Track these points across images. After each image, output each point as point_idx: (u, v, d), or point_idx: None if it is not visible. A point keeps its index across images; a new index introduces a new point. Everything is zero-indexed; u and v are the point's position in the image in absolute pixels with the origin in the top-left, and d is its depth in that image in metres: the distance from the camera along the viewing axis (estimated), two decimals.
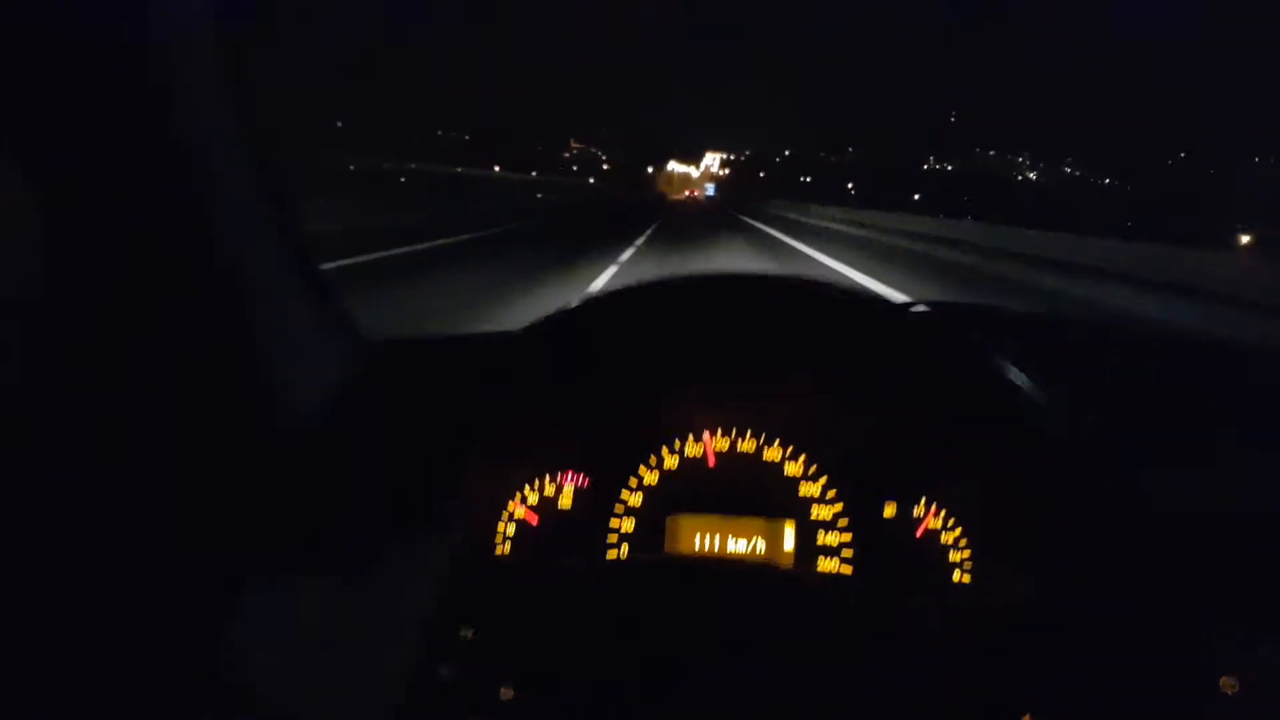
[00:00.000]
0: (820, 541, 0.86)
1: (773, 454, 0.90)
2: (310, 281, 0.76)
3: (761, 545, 0.86)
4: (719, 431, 0.91)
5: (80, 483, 0.60)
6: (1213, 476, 0.78)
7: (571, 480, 0.90)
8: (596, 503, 0.88)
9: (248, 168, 0.67)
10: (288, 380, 0.72)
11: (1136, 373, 0.97)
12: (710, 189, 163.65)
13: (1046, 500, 0.72)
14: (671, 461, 0.90)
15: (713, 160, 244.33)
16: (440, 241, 12.61)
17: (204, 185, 0.62)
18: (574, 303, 0.83)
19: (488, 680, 0.60)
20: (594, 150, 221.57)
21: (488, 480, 0.84)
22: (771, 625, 0.63)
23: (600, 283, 8.40)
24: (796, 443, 0.89)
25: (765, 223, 26.61)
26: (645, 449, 0.90)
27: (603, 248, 12.63)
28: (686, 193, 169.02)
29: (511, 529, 0.88)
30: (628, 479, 0.89)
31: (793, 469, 0.89)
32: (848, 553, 0.86)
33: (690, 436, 0.90)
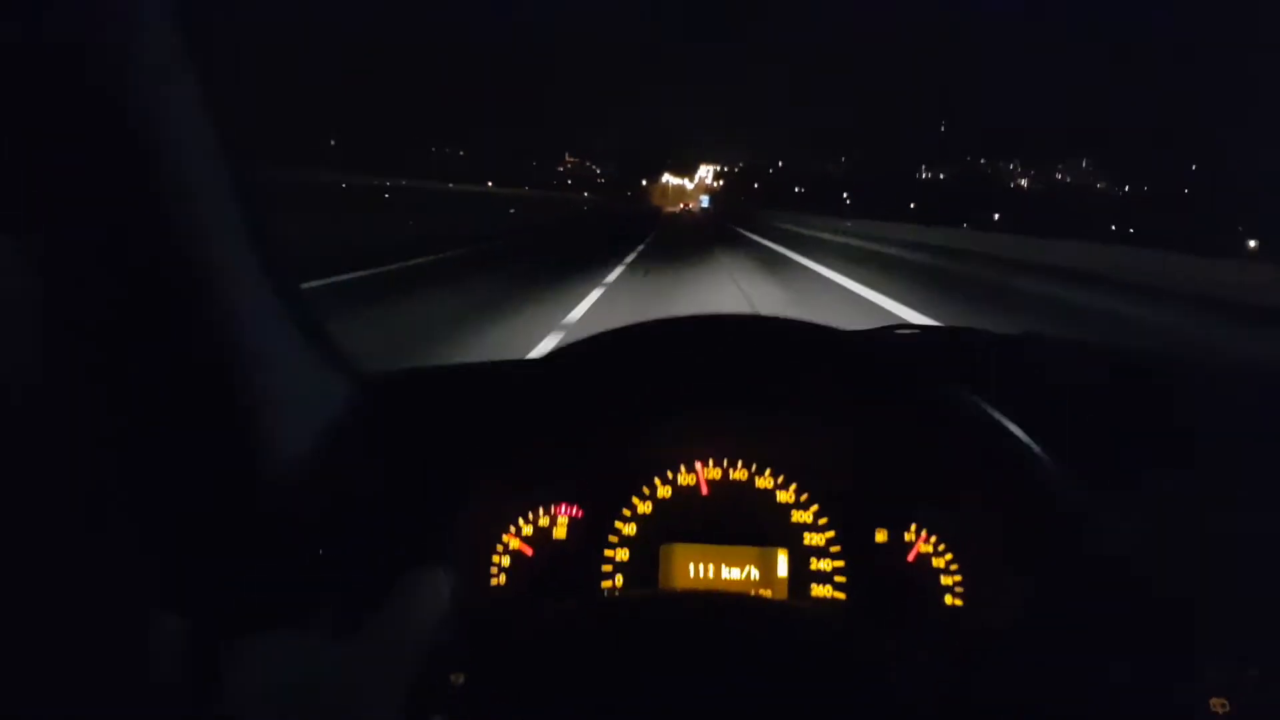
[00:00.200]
0: (813, 568, 0.87)
1: (764, 482, 0.91)
2: (301, 317, 0.77)
3: (755, 573, 0.87)
4: (710, 461, 0.92)
5: (70, 513, 0.60)
6: (1205, 497, 0.79)
7: (566, 511, 0.90)
8: (591, 533, 0.89)
9: (232, 190, 0.67)
10: (277, 410, 0.71)
11: (1125, 391, 0.96)
12: (705, 201, 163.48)
13: (1036, 522, 0.73)
14: (664, 491, 0.91)
15: (706, 172, 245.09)
16: (415, 261, 11.72)
17: (187, 207, 0.62)
18: (569, 340, 0.85)
19: None
20: (588, 164, 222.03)
21: (482, 515, 0.85)
22: (766, 661, 0.62)
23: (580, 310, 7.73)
24: (787, 471, 0.90)
25: (763, 235, 25.82)
26: (638, 479, 0.91)
27: (583, 274, 10.99)
28: (681, 205, 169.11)
29: (506, 560, 0.89)
30: (621, 509, 0.90)
31: (784, 497, 0.90)
32: (840, 579, 0.87)
33: (682, 466, 0.91)
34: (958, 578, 0.85)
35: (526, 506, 0.90)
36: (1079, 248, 15.89)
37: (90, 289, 0.58)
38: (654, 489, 0.91)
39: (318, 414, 0.78)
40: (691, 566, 0.87)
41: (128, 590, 0.61)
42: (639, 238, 21.66)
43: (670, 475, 0.91)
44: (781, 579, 0.86)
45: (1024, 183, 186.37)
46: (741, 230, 30.21)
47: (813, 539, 0.88)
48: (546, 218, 30.89)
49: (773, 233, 28.17)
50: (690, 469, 0.91)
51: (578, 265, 12.06)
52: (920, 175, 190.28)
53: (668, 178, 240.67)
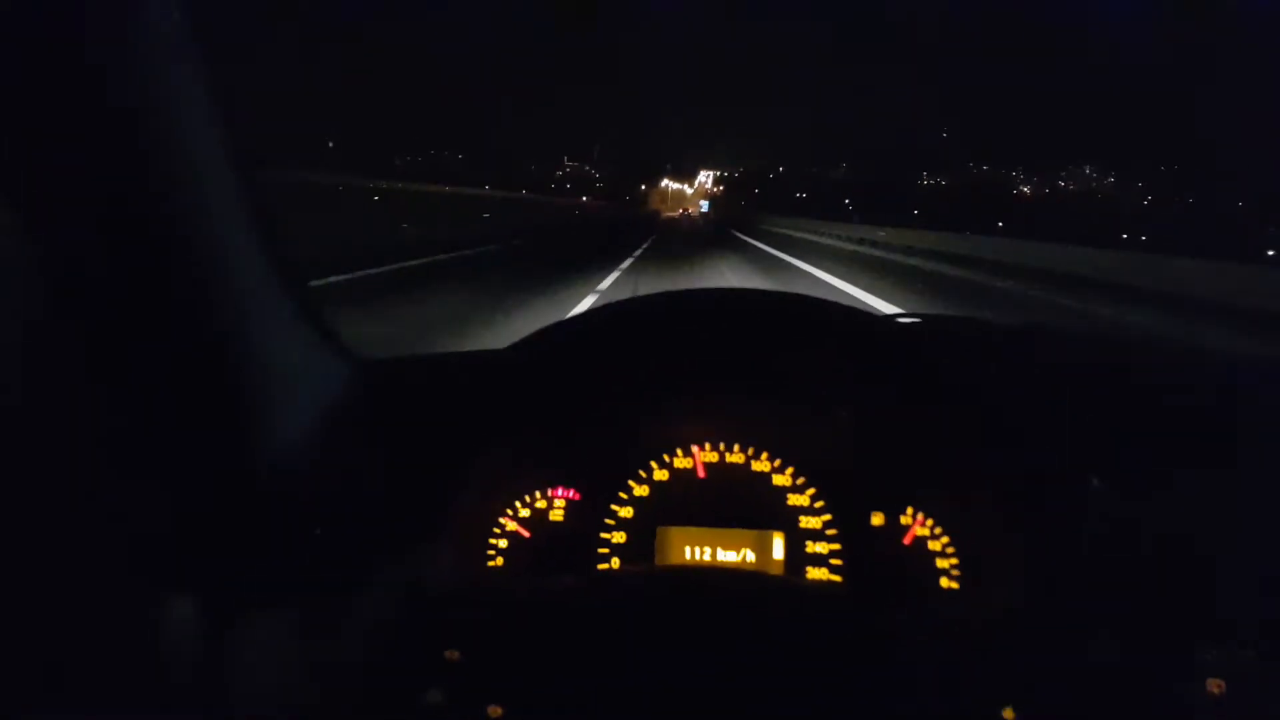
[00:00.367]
0: (809, 551, 0.88)
1: (761, 465, 0.91)
2: (300, 302, 0.78)
3: (751, 555, 0.87)
4: (707, 444, 0.92)
5: (81, 494, 0.61)
6: (1205, 485, 0.79)
7: (563, 494, 0.91)
8: (588, 515, 0.90)
9: (232, 188, 0.67)
10: (279, 402, 0.73)
11: (1129, 383, 0.97)
12: (704, 205, 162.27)
13: (1033, 506, 0.73)
14: (661, 474, 0.91)
15: (706, 177, 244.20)
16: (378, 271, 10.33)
17: (188, 206, 0.62)
18: (563, 319, 0.84)
19: (475, 701, 0.60)
20: (587, 168, 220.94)
21: (480, 497, 0.86)
22: (762, 633, 0.64)
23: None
24: (784, 454, 0.91)
25: (765, 241, 24.31)
26: (635, 462, 0.91)
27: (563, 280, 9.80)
28: (680, 210, 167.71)
29: (504, 543, 0.90)
30: (618, 492, 0.90)
31: (781, 480, 0.90)
32: (836, 561, 0.87)
33: (679, 450, 0.92)
34: (954, 560, 0.85)
35: (524, 489, 0.90)
36: (1089, 254, 14.59)
37: (93, 283, 0.59)
38: (651, 472, 0.91)
39: (316, 399, 0.79)
40: (688, 549, 0.88)
41: (130, 580, 0.62)
42: (633, 246, 19.42)
43: (667, 458, 0.91)
44: (778, 562, 0.87)
45: (1026, 189, 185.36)
46: (743, 236, 28.64)
47: (809, 522, 0.89)
48: (531, 223, 27.03)
49: (776, 239, 26.68)
50: (687, 452, 0.92)
51: (551, 281, 9.81)
52: (922, 181, 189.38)
53: (667, 182, 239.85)
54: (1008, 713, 0.59)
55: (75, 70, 0.55)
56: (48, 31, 0.53)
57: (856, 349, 0.84)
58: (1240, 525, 0.76)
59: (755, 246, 21.48)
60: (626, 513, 0.90)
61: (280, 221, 0.71)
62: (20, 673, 0.58)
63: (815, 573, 0.87)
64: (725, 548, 0.88)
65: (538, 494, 0.91)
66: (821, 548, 0.88)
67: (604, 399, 0.89)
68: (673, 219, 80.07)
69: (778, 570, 0.86)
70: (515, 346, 0.84)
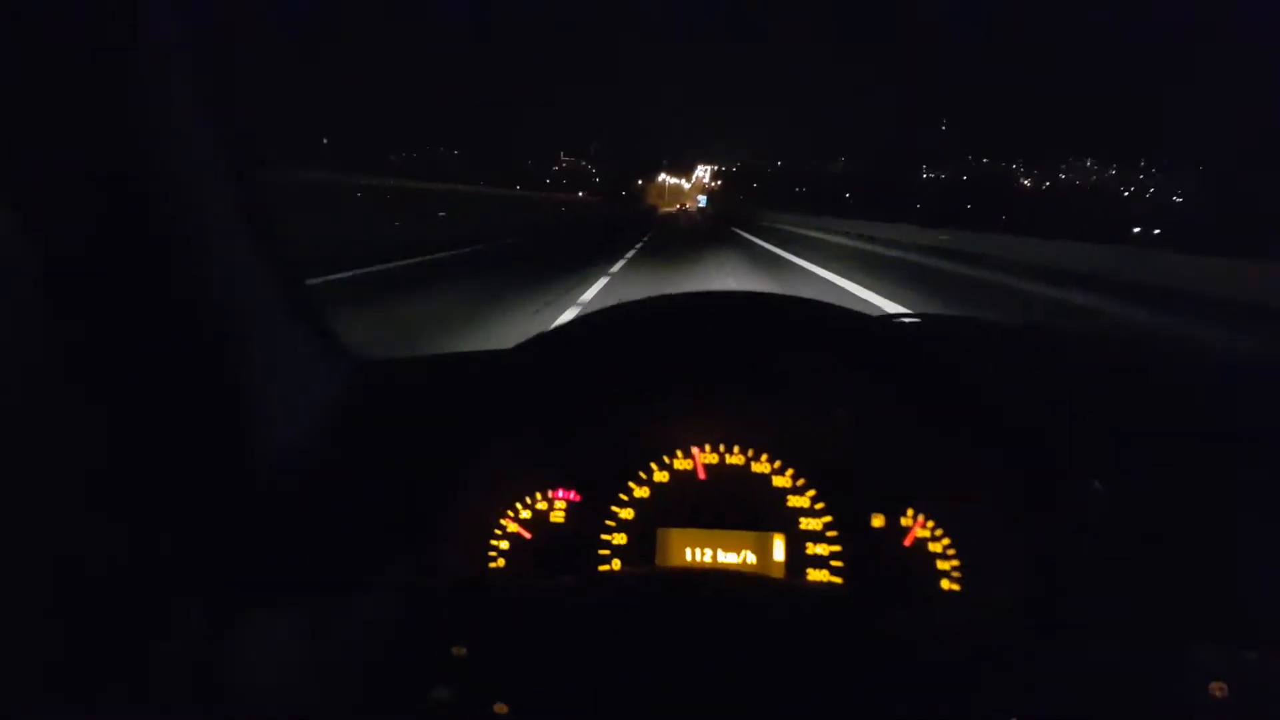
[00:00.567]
0: (810, 552, 0.88)
1: (761, 467, 0.91)
2: (299, 302, 0.78)
3: (751, 557, 0.87)
4: (707, 446, 0.92)
5: (81, 495, 0.61)
6: (1206, 485, 0.79)
7: (563, 495, 0.91)
8: (588, 517, 0.90)
9: (231, 188, 0.68)
10: (279, 403, 0.73)
11: (1129, 382, 0.97)
12: (702, 201, 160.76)
13: (1032, 508, 0.73)
14: (662, 476, 0.91)
15: (704, 172, 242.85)
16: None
17: (187, 207, 0.63)
18: (562, 321, 0.85)
19: (481, 698, 0.60)
20: (584, 164, 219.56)
21: (480, 498, 0.86)
22: (763, 633, 0.64)
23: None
24: (784, 456, 0.91)
25: (768, 240, 23.07)
26: (635, 464, 0.91)
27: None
28: (678, 205, 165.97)
29: (505, 544, 0.90)
30: (618, 493, 0.90)
31: (781, 481, 0.90)
32: (837, 563, 0.87)
33: (679, 451, 0.92)
34: (955, 562, 0.85)
35: (524, 491, 0.90)
36: (1099, 251, 13.44)
37: (93, 284, 0.59)
38: (651, 474, 0.91)
39: (316, 399, 0.80)
40: (688, 551, 0.88)
41: (131, 580, 0.63)
42: (626, 246, 17.37)
43: (667, 460, 0.92)
44: (779, 563, 0.87)
45: (1026, 183, 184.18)
46: (746, 234, 27.33)
47: (810, 524, 0.89)
48: (508, 221, 23.31)
49: (778, 237, 25.46)
50: (687, 454, 0.92)
51: (526, 288, 8.49)
52: (923, 175, 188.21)
53: (664, 177, 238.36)
54: None
55: (75, 71, 0.55)
56: (48, 33, 0.53)
57: (855, 349, 0.84)
58: (1242, 525, 0.75)
59: (761, 248, 19.83)
60: (627, 514, 0.90)
61: (264, 220, 0.71)
62: (20, 673, 0.58)
63: (816, 574, 0.87)
64: (726, 549, 0.88)
65: (538, 495, 0.91)
66: (822, 549, 0.88)
67: (604, 400, 0.89)
68: (670, 214, 78.75)
69: (778, 572, 0.86)
70: (516, 348, 0.84)
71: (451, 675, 0.61)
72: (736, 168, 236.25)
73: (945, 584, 0.85)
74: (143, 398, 0.63)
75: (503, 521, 0.90)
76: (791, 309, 0.84)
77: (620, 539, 0.89)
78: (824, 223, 32.03)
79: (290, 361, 0.76)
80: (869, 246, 21.19)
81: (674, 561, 0.87)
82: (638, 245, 17.84)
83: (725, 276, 11.42)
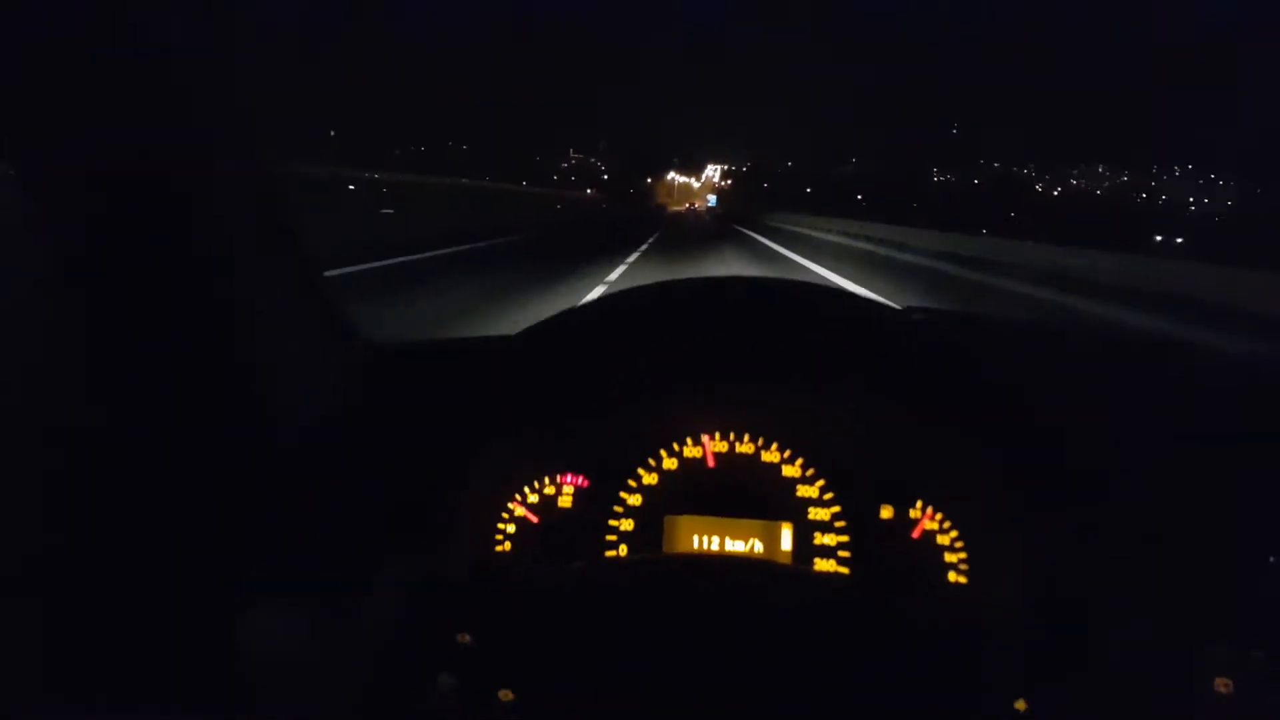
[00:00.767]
0: (817, 542, 0.88)
1: (771, 456, 0.91)
2: (310, 287, 0.78)
3: (759, 546, 0.87)
4: (717, 434, 0.92)
5: (83, 495, 0.61)
6: (1211, 482, 0.79)
7: (572, 480, 0.91)
8: (596, 503, 0.90)
9: (246, 176, 0.68)
10: (288, 385, 0.74)
11: (1136, 381, 0.97)
12: (711, 200, 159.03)
13: (1038, 502, 0.73)
14: (671, 463, 0.91)
15: (714, 171, 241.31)
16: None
17: (202, 194, 0.63)
18: (574, 307, 0.84)
19: (486, 684, 0.60)
20: (593, 160, 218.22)
21: (488, 482, 0.86)
22: (769, 622, 0.64)
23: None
24: (794, 445, 0.91)
25: (781, 242, 21.61)
26: (644, 450, 0.91)
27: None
28: (686, 205, 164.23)
29: (512, 528, 0.90)
30: (627, 480, 0.90)
31: (790, 471, 0.90)
32: (845, 553, 0.87)
33: (689, 439, 0.92)
34: (962, 555, 0.85)
35: (532, 475, 0.91)
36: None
37: (95, 282, 0.59)
38: (660, 460, 0.91)
39: (324, 385, 0.80)
40: (696, 538, 0.88)
41: (134, 579, 0.62)
42: (634, 244, 16.18)
43: (677, 447, 0.92)
44: (786, 553, 0.87)
45: (1038, 188, 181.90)
46: (757, 236, 25.82)
47: (818, 514, 0.89)
48: (530, 220, 21.55)
49: (792, 240, 23.99)
50: (697, 441, 0.92)
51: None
52: (934, 178, 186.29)
53: (673, 176, 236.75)
54: (1020, 704, 0.58)
55: (75, 71, 0.54)
56: (48, 32, 0.53)
57: (867, 340, 0.84)
58: (1249, 522, 0.75)
59: (782, 255, 18.16)
60: (635, 501, 0.90)
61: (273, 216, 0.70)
62: (20, 673, 0.58)
63: (823, 564, 0.87)
64: (733, 537, 0.88)
65: (546, 480, 0.91)
66: (830, 540, 0.88)
67: (614, 386, 0.89)
68: (678, 214, 77.14)
69: (785, 561, 0.86)
70: (526, 332, 0.83)
71: (457, 662, 0.61)
72: (746, 167, 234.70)
73: (953, 576, 0.84)
74: (154, 378, 0.63)
75: (510, 505, 0.90)
76: (802, 297, 0.83)
77: (628, 525, 0.89)
78: (841, 225, 30.44)
79: (297, 351, 0.75)
80: (879, 249, 19.73)
81: (681, 549, 0.87)
82: (639, 250, 15.60)
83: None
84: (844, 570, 0.86)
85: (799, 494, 0.89)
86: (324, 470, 0.74)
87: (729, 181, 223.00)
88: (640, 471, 0.90)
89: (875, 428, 0.88)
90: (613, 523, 0.89)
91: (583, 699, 0.60)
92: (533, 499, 0.90)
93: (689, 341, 0.87)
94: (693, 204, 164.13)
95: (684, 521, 0.88)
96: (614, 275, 10.12)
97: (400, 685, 0.60)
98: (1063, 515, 0.71)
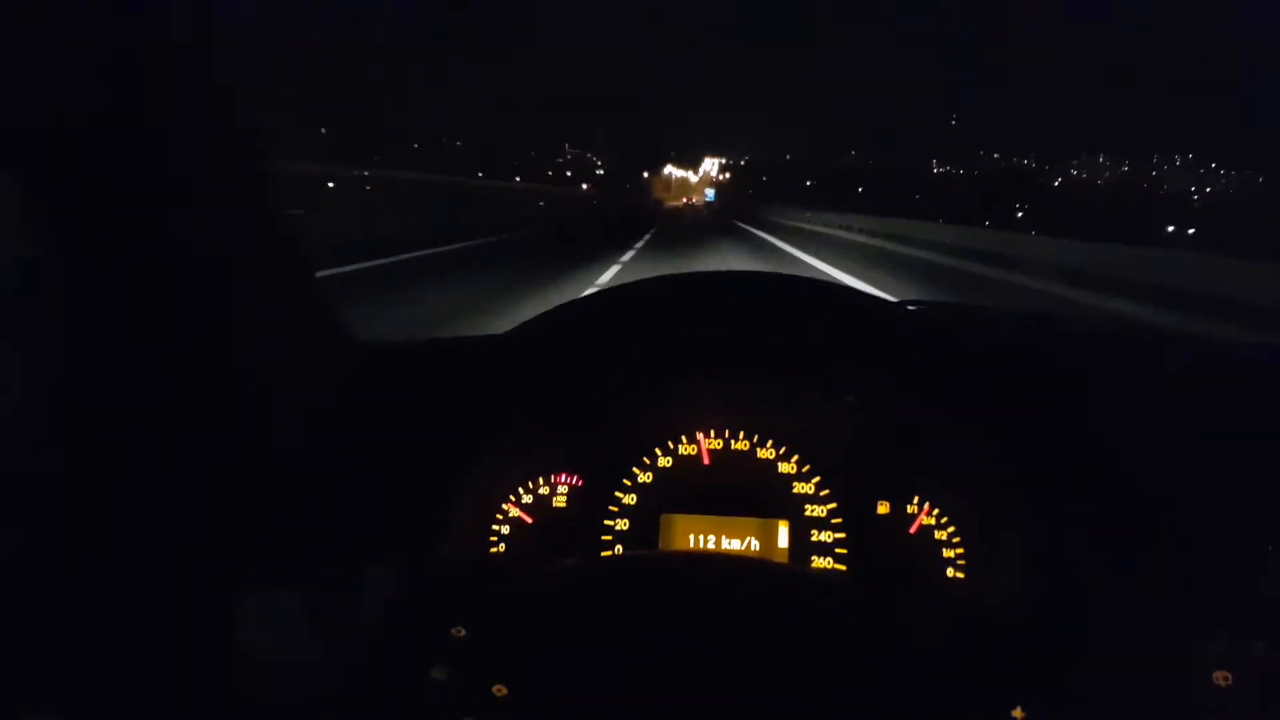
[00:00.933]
0: (814, 539, 0.87)
1: (766, 453, 0.91)
2: (309, 286, 0.78)
3: (755, 544, 0.87)
4: (712, 432, 0.91)
5: (83, 495, 0.62)
6: (1212, 476, 0.78)
7: (566, 480, 0.91)
8: (591, 502, 0.89)
9: (245, 175, 0.68)
10: (288, 385, 0.74)
11: (1137, 375, 0.96)
12: (710, 194, 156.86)
13: (1036, 497, 0.73)
14: (666, 461, 0.91)
15: (711, 165, 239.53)
16: None
17: (202, 194, 0.63)
18: (565, 303, 0.84)
19: (480, 679, 0.60)
20: (589, 155, 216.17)
21: (482, 482, 0.86)
22: (766, 619, 0.63)
23: None
24: (790, 442, 0.90)
25: (788, 240, 19.84)
26: (639, 449, 0.91)
27: None
28: (684, 199, 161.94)
29: (506, 529, 0.89)
30: (622, 478, 0.90)
31: (786, 468, 0.90)
32: (841, 550, 0.87)
33: (684, 436, 0.91)
34: (960, 550, 0.84)
35: (527, 475, 0.90)
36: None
37: (94, 282, 0.59)
38: (655, 459, 0.91)
39: (326, 383, 0.80)
40: (692, 537, 0.87)
41: (134, 578, 0.63)
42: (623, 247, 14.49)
43: (672, 445, 0.91)
44: (782, 550, 0.86)
45: (1041, 179, 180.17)
46: (760, 233, 24.02)
47: (814, 511, 0.88)
48: (516, 216, 19.63)
49: (798, 237, 22.22)
50: (692, 439, 0.91)
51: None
52: (934, 170, 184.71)
53: (670, 170, 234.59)
54: (1017, 713, 0.58)
55: (75, 70, 0.54)
56: (48, 31, 0.53)
57: (862, 334, 0.83)
58: (1248, 516, 0.75)
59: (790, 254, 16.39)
60: (630, 499, 0.89)
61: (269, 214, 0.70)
62: (20, 673, 0.58)
63: (820, 561, 0.87)
64: (729, 535, 0.87)
65: (541, 480, 0.90)
66: (826, 536, 0.87)
67: (607, 384, 0.88)
68: (675, 209, 75.22)
69: (782, 559, 0.86)
70: (518, 329, 0.83)
71: (451, 656, 0.61)
72: (745, 161, 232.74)
73: (951, 572, 0.84)
74: (147, 375, 0.63)
75: (504, 505, 0.89)
76: (797, 291, 0.83)
77: (623, 524, 0.88)
78: (845, 220, 28.66)
79: (297, 351, 0.75)
80: (888, 244, 18.09)
81: (677, 547, 0.86)
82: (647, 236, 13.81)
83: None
84: (841, 567, 0.86)
85: (795, 491, 0.89)
86: (323, 470, 0.74)
87: (727, 175, 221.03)
88: (635, 470, 0.90)
89: (871, 423, 0.87)
90: (608, 522, 0.88)
91: (577, 695, 0.59)
92: (527, 499, 0.89)
93: (682, 338, 0.86)
94: (689, 199, 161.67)
95: (680, 520, 0.88)
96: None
97: (396, 679, 0.60)
98: (1060, 510, 0.70)
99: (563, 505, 0.89)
